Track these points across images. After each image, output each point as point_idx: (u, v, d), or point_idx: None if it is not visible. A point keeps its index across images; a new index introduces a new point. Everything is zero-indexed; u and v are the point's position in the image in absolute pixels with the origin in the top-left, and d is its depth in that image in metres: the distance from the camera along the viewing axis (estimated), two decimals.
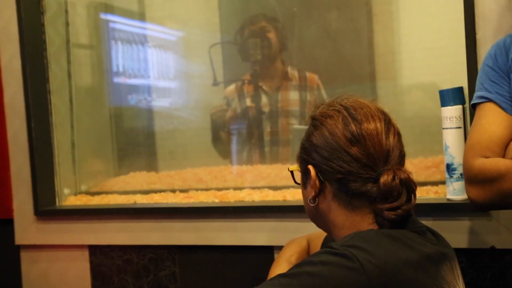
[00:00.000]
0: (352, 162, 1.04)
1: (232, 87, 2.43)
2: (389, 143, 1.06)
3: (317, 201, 1.11)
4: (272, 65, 2.38)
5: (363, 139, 1.04)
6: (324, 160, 1.07)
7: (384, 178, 1.02)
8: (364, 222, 1.06)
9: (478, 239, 1.52)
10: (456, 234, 1.54)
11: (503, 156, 1.18)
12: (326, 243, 1.33)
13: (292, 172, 1.20)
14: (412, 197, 1.05)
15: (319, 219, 1.15)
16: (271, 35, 2.34)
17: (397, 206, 1.03)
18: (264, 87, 2.37)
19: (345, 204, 1.07)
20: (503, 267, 1.53)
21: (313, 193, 1.11)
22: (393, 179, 1.02)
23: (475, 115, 1.27)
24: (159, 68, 2.73)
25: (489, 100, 1.24)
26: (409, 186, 1.04)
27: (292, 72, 2.38)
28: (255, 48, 2.33)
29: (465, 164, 1.21)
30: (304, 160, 1.13)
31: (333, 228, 1.11)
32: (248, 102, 2.38)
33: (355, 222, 1.07)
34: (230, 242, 1.83)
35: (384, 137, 1.05)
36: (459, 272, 1.10)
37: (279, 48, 2.37)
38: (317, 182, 1.09)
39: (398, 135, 1.09)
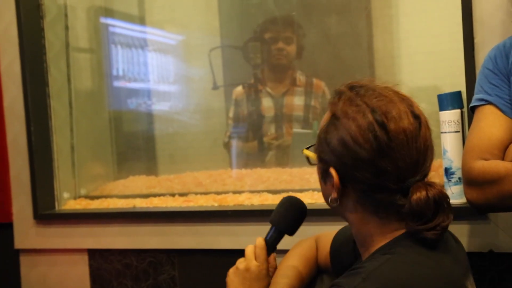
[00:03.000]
0: (379, 175, 0.95)
1: (240, 88, 2.43)
2: (419, 149, 0.97)
3: (338, 202, 1.03)
4: (285, 71, 2.40)
5: (391, 151, 0.95)
6: (346, 168, 0.98)
7: (417, 196, 0.94)
8: (393, 226, 1.00)
9: (476, 243, 1.52)
10: None
11: (503, 159, 1.18)
12: (337, 241, 1.27)
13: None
14: (449, 211, 0.98)
15: (338, 213, 1.07)
16: (292, 47, 2.35)
17: (435, 226, 0.95)
18: (272, 91, 2.39)
19: (371, 210, 1.00)
20: (502, 271, 1.52)
21: (335, 195, 1.02)
22: (426, 198, 0.94)
23: (474, 117, 1.26)
24: (159, 72, 2.73)
25: (489, 102, 1.24)
26: (443, 202, 0.96)
27: (300, 78, 2.40)
28: (277, 55, 2.35)
29: (464, 166, 1.21)
30: (323, 159, 1.03)
31: (353, 226, 1.05)
32: (256, 105, 2.40)
33: (381, 227, 1.00)
34: (229, 246, 1.83)
35: (414, 144, 0.96)
36: (473, 281, 1.08)
37: (296, 56, 2.39)
38: (339, 186, 1.01)
39: (427, 127, 1.00)
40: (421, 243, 0.97)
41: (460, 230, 1.54)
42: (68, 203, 2.22)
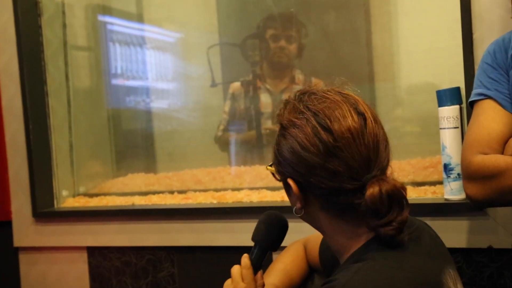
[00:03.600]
0: (333, 177, 0.95)
1: (237, 83, 2.43)
2: (368, 145, 0.96)
3: (303, 211, 1.04)
4: (285, 69, 2.40)
5: (339, 150, 0.95)
6: (301, 175, 0.99)
7: (370, 192, 0.94)
8: (362, 229, 1.00)
9: (475, 238, 1.53)
10: (454, 233, 1.54)
11: (502, 153, 1.18)
12: (324, 243, 1.28)
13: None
14: (405, 206, 0.96)
15: (310, 223, 1.08)
16: (293, 46, 2.35)
17: (390, 221, 0.95)
18: (271, 88, 2.39)
19: (337, 215, 1.01)
20: (501, 267, 1.53)
21: (298, 205, 1.03)
22: (379, 192, 0.93)
23: (473, 112, 1.26)
24: (158, 69, 2.73)
25: (488, 97, 1.23)
26: (398, 196, 0.95)
27: (299, 76, 2.39)
28: (278, 53, 2.35)
29: (464, 161, 1.20)
30: (281, 171, 1.04)
31: (326, 235, 1.07)
32: (253, 101, 2.39)
33: (350, 230, 1.01)
34: (228, 243, 1.83)
35: (361, 140, 0.96)
36: (456, 274, 1.08)
37: (297, 55, 2.39)
38: (300, 195, 1.01)
39: (376, 121, 1.00)
40: (389, 246, 0.97)
41: (459, 226, 1.54)
42: (67, 201, 2.22)
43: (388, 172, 1.01)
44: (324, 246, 1.29)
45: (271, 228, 1.20)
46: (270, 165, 1.10)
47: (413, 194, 1.70)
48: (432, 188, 1.72)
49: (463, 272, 1.55)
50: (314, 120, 0.97)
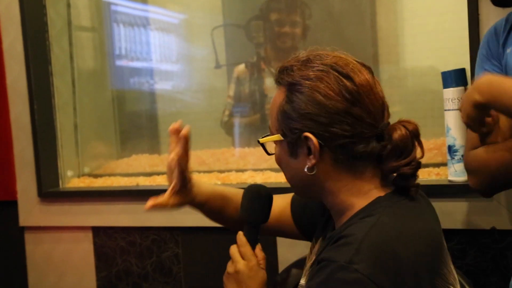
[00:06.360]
0: (356, 123, 0.98)
1: (242, 66, 2.42)
2: (382, 93, 1.03)
3: (314, 170, 1.03)
4: (289, 51, 2.38)
5: (362, 98, 0.99)
6: (322, 126, 0.99)
7: (398, 134, 0.99)
8: (369, 186, 1.02)
9: (479, 220, 1.53)
10: (457, 215, 1.54)
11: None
12: (296, 204, 1.30)
13: (262, 144, 1.12)
14: (422, 147, 1.03)
15: (311, 189, 1.07)
16: (298, 30, 2.34)
17: (411, 160, 1.00)
18: (275, 71, 2.38)
19: (347, 169, 1.02)
20: (504, 248, 1.53)
21: (313, 161, 1.01)
22: (406, 132, 1.00)
23: None
24: (162, 51, 2.72)
25: None
26: (418, 136, 1.02)
27: None
28: (282, 37, 2.34)
29: (464, 155, 1.27)
30: (293, 128, 1.02)
31: (329, 195, 1.05)
32: (257, 83, 2.39)
33: (358, 187, 1.02)
34: None
35: (376, 89, 1.02)
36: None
37: (301, 37, 2.37)
38: (318, 148, 1.00)
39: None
40: (399, 204, 1.01)
41: (463, 208, 1.54)
42: (72, 181, 2.23)
43: None
44: (297, 201, 1.30)
45: (253, 201, 1.20)
46: (264, 137, 1.10)
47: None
48: (436, 169, 1.72)
49: (466, 253, 1.56)
50: (334, 71, 1.00)
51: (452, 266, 1.04)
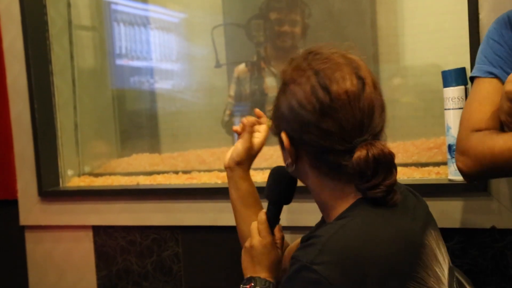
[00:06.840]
0: (325, 136, 0.97)
1: (242, 66, 2.42)
2: (363, 109, 0.97)
3: (294, 166, 1.06)
4: (289, 51, 2.39)
5: (334, 111, 0.96)
6: (295, 131, 1.01)
7: (357, 155, 0.95)
8: (350, 189, 1.01)
9: (479, 219, 1.53)
10: (457, 214, 1.54)
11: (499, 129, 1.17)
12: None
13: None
14: (393, 171, 0.99)
15: (301, 180, 1.11)
16: (298, 29, 2.34)
17: (377, 184, 0.97)
18: (276, 70, 2.38)
19: (325, 174, 1.02)
20: (504, 247, 1.53)
21: (289, 160, 1.05)
22: (366, 156, 0.95)
23: (476, 87, 1.23)
24: (162, 50, 2.72)
25: (494, 76, 1.21)
26: (385, 161, 0.96)
27: None
28: (282, 37, 2.34)
29: (461, 135, 1.19)
30: (276, 125, 1.08)
31: (313, 192, 1.08)
32: (258, 83, 2.39)
33: (339, 189, 1.02)
34: (232, 223, 1.82)
35: (357, 104, 0.97)
36: (438, 233, 1.09)
37: (301, 36, 2.37)
38: (292, 150, 1.03)
39: (375, 88, 1.01)
40: (377, 206, 0.99)
41: (462, 206, 1.54)
42: (72, 180, 2.23)
43: (382, 138, 1.02)
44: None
45: (278, 182, 1.22)
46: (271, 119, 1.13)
47: (417, 175, 1.70)
48: (436, 168, 1.73)
49: (466, 252, 1.56)
50: (314, 79, 0.99)
51: (441, 269, 1.02)
